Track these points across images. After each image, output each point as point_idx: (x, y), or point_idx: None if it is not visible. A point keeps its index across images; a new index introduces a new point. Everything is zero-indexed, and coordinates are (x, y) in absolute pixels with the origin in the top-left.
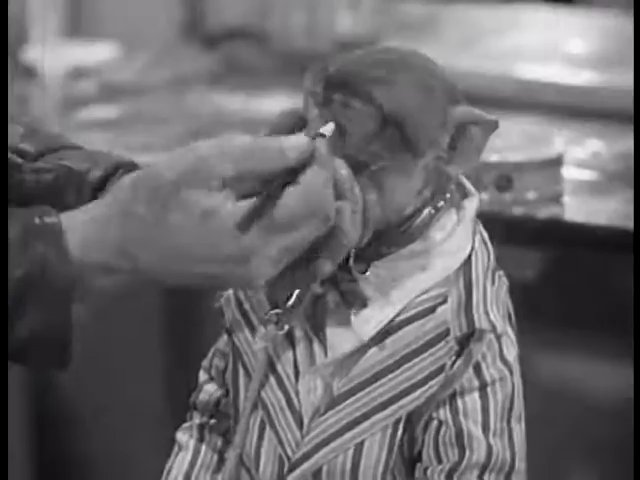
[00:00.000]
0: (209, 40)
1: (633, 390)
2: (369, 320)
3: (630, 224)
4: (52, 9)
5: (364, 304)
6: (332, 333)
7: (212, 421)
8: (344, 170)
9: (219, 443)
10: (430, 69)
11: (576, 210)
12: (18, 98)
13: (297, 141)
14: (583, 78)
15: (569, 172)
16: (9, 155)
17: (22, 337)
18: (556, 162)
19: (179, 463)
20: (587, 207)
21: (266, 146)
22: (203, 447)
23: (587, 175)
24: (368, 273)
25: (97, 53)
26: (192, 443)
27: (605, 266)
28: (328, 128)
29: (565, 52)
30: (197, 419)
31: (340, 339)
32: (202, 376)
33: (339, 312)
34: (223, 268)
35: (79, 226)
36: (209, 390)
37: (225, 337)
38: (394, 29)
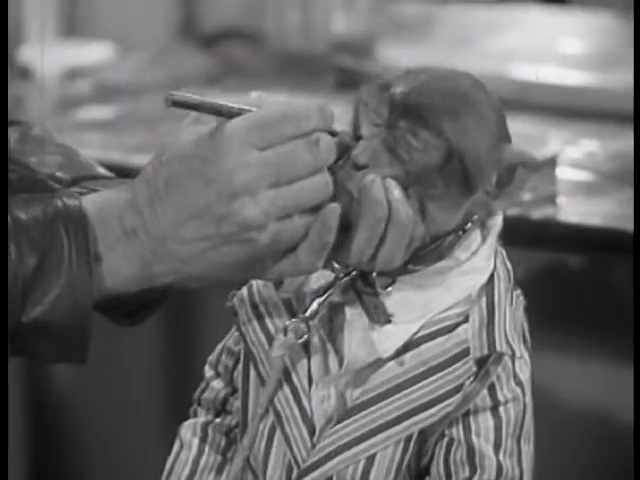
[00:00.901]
0: (205, 40)
1: (633, 390)
2: (389, 336)
3: (625, 224)
4: (48, 9)
5: (388, 320)
6: (349, 345)
7: (217, 420)
8: (397, 191)
9: (222, 443)
10: (490, 102)
11: (571, 211)
12: (14, 98)
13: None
14: (578, 78)
15: (564, 173)
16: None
17: (36, 322)
18: (551, 163)
19: (182, 462)
20: (582, 208)
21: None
22: (207, 447)
23: (582, 176)
24: (390, 289)
25: (93, 53)
26: (196, 442)
27: (600, 267)
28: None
29: (560, 52)
30: (202, 416)
31: (357, 352)
32: (208, 371)
33: (358, 324)
34: (201, 181)
35: (97, 197)
36: (216, 387)
37: (235, 335)
38: (389, 29)
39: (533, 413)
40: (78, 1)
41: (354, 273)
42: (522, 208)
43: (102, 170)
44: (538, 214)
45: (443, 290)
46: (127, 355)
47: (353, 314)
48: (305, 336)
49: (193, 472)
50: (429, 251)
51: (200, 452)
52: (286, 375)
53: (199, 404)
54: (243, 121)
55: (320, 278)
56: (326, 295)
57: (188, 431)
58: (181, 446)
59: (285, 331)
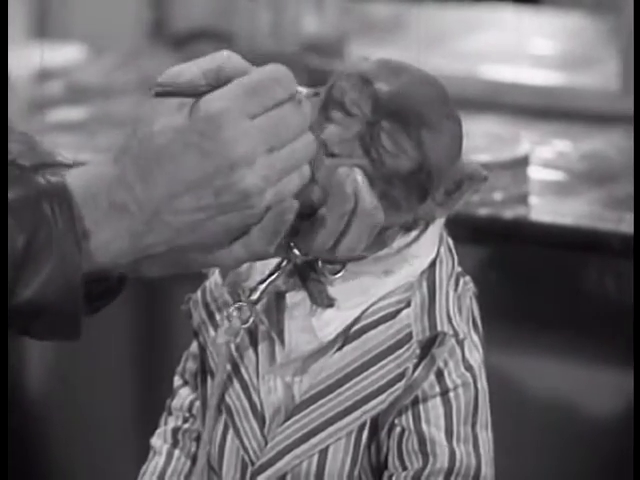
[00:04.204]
0: (175, 41)
1: (633, 390)
2: (329, 322)
3: (596, 224)
4: (18, 11)
5: (330, 304)
6: (291, 334)
7: (185, 425)
8: (364, 181)
9: (192, 448)
10: (454, 113)
11: (542, 210)
12: None
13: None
14: (549, 78)
15: (535, 172)
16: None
17: (27, 302)
18: (522, 162)
19: (152, 468)
20: (553, 207)
21: (234, 58)
22: (176, 452)
23: (553, 175)
24: (340, 274)
25: (64, 54)
26: (165, 448)
27: (572, 267)
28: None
29: (531, 53)
30: (171, 423)
31: (299, 340)
32: (177, 381)
33: (300, 312)
34: (198, 153)
35: (82, 173)
36: (183, 394)
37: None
38: (360, 30)
39: (489, 399)
40: (49, 2)
41: (298, 260)
42: (494, 208)
43: (62, 158)
44: (510, 214)
45: (384, 276)
46: (97, 365)
47: (294, 302)
48: (250, 321)
49: (162, 476)
50: (374, 240)
51: (169, 457)
52: (235, 371)
53: (169, 413)
54: (235, 89)
55: (265, 270)
56: (270, 280)
57: (158, 439)
58: (153, 454)
59: (229, 317)
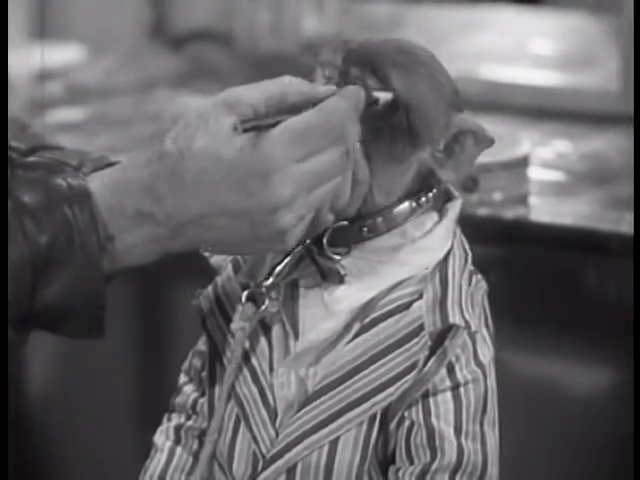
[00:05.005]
0: (175, 42)
1: (633, 391)
2: (341, 300)
3: (596, 224)
4: (18, 11)
5: (341, 280)
6: (305, 318)
7: (188, 422)
8: None
9: (194, 445)
10: (443, 70)
11: (542, 211)
12: None
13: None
14: (549, 79)
15: (535, 173)
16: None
17: (50, 304)
18: (522, 163)
19: (154, 465)
20: (553, 208)
21: (297, 83)
22: (178, 449)
23: (553, 176)
24: (346, 258)
25: (63, 55)
26: (168, 445)
27: (571, 267)
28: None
29: (531, 53)
30: (174, 421)
31: (313, 320)
32: (181, 379)
33: (314, 299)
34: (242, 191)
35: (106, 177)
36: (187, 391)
37: (203, 338)
38: (359, 30)
39: (496, 399)
40: (48, 3)
41: (308, 242)
42: (494, 208)
43: (50, 142)
44: (510, 214)
45: (396, 265)
46: (101, 361)
47: (307, 288)
48: (265, 305)
49: (164, 473)
50: (381, 217)
51: (171, 454)
52: (247, 363)
53: (172, 410)
54: (286, 134)
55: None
56: (282, 264)
57: (161, 436)
58: (155, 451)
59: (243, 303)
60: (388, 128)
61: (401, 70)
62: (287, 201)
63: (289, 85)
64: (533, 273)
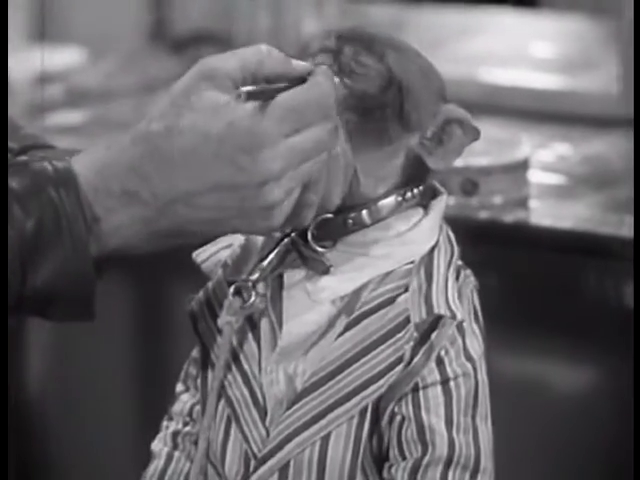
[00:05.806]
0: (175, 44)
1: (633, 391)
2: (324, 289)
3: (596, 227)
4: (18, 14)
5: (325, 272)
6: (288, 311)
7: (186, 429)
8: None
9: (192, 451)
10: (430, 64)
11: (542, 214)
12: None
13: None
14: (549, 82)
15: (535, 176)
16: None
17: (40, 288)
18: (522, 166)
19: (152, 471)
20: (553, 211)
21: (274, 53)
22: (176, 454)
23: (553, 179)
24: (331, 250)
25: (64, 58)
26: (165, 451)
27: (571, 270)
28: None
29: (531, 56)
30: (171, 428)
31: (295, 314)
32: (178, 387)
33: (297, 289)
34: (232, 165)
35: (91, 158)
36: (183, 399)
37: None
38: None
39: (487, 393)
40: (48, 5)
41: (293, 234)
42: (494, 211)
43: (44, 141)
44: (510, 217)
45: (381, 258)
46: (99, 358)
47: (291, 283)
48: (252, 299)
49: (162, 477)
50: (367, 208)
51: (169, 459)
52: (237, 363)
53: (169, 418)
54: (277, 109)
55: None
56: (270, 258)
57: (159, 443)
58: (153, 458)
59: (231, 294)
60: (378, 107)
61: (395, 50)
62: (276, 175)
63: (265, 54)
64: (533, 276)
